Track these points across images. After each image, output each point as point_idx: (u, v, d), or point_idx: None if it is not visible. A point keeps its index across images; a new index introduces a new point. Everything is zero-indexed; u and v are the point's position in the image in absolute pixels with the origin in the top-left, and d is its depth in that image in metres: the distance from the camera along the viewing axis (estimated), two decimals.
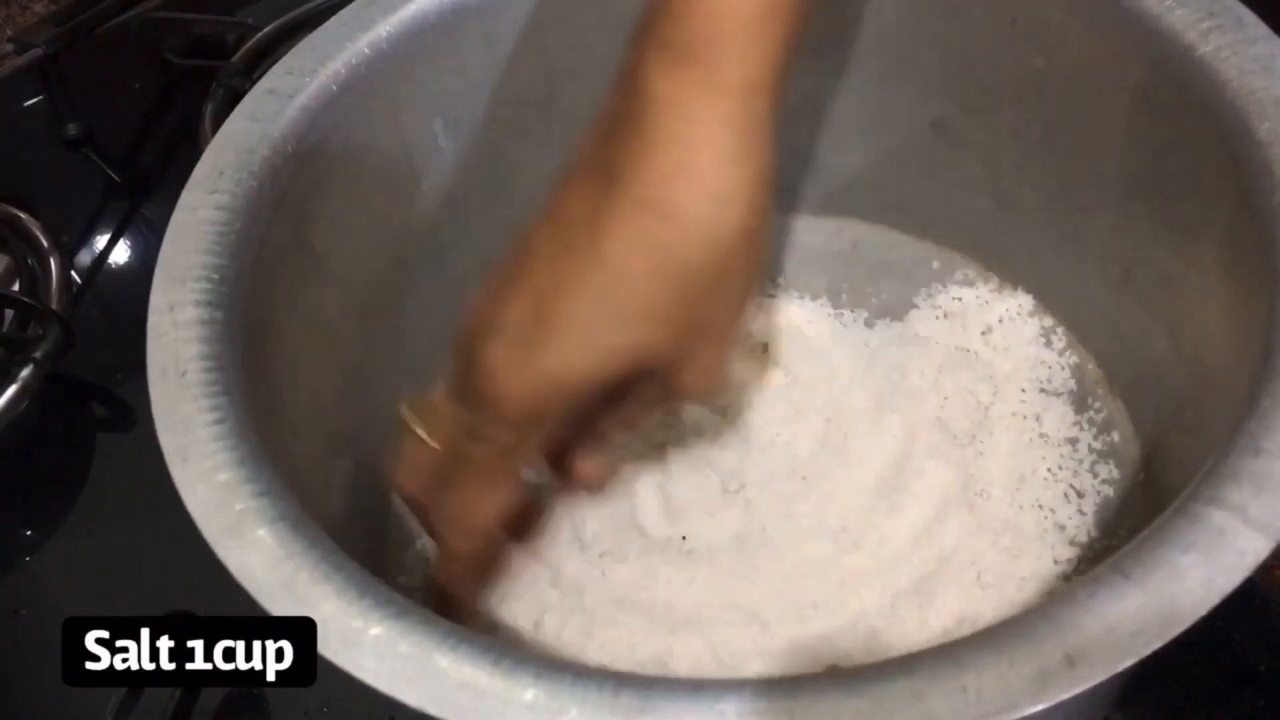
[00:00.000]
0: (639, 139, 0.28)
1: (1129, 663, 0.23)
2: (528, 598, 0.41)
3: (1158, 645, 0.24)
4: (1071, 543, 0.41)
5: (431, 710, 0.24)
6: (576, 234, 0.29)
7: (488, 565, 0.39)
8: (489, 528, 0.34)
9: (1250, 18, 0.35)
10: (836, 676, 0.24)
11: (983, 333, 0.47)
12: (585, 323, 0.29)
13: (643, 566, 0.41)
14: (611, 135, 0.29)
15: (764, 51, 0.28)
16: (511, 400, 0.30)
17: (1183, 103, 0.36)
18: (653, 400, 0.36)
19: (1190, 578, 0.24)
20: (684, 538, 0.42)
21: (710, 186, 0.28)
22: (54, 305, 0.58)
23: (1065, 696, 0.23)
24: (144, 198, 0.68)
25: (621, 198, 0.29)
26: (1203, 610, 0.24)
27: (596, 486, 0.40)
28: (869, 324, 0.49)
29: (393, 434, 0.46)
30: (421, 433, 0.33)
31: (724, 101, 0.28)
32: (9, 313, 0.58)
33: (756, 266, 0.31)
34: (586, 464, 0.38)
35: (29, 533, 0.53)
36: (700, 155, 0.28)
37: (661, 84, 0.28)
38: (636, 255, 0.29)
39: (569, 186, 0.30)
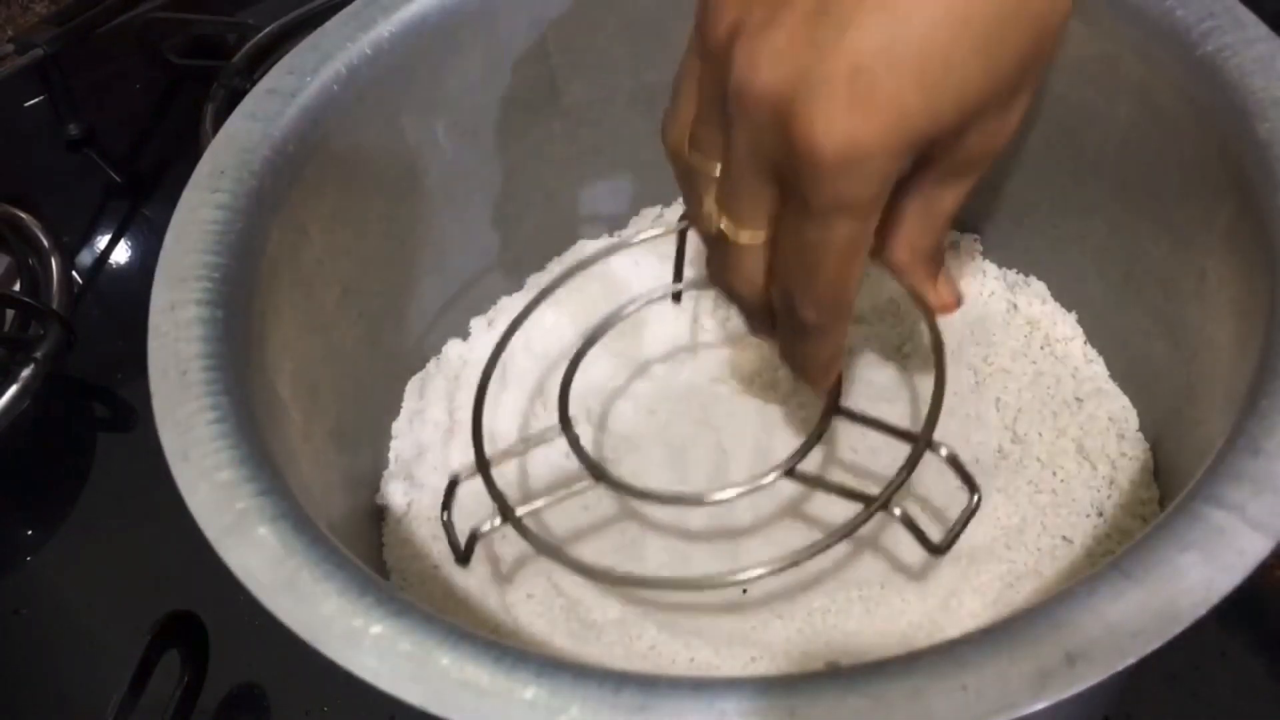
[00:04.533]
0: None
1: (1129, 662, 0.23)
2: (530, 604, 0.41)
3: (1157, 644, 0.24)
4: (1071, 543, 0.41)
5: (433, 709, 0.24)
6: None
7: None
8: (853, 297, 0.31)
9: (1250, 18, 0.35)
10: (836, 674, 0.24)
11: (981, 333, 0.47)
12: (955, 63, 0.25)
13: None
14: None
15: None
16: (872, 163, 0.26)
17: (1183, 103, 0.36)
18: (949, 178, 0.31)
19: (1190, 577, 0.24)
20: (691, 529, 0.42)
21: None
22: (55, 305, 0.58)
23: (1065, 695, 0.23)
24: (144, 198, 0.68)
25: None
26: (1202, 610, 0.24)
27: (955, 306, 0.35)
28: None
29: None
30: (748, 233, 0.30)
31: None
32: (9, 313, 0.58)
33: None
34: (943, 290, 0.35)
35: (29, 533, 0.53)
36: None
37: None
38: None
39: None
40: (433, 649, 0.25)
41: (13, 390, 0.54)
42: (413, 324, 0.49)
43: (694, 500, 0.35)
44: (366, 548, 0.43)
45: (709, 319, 0.49)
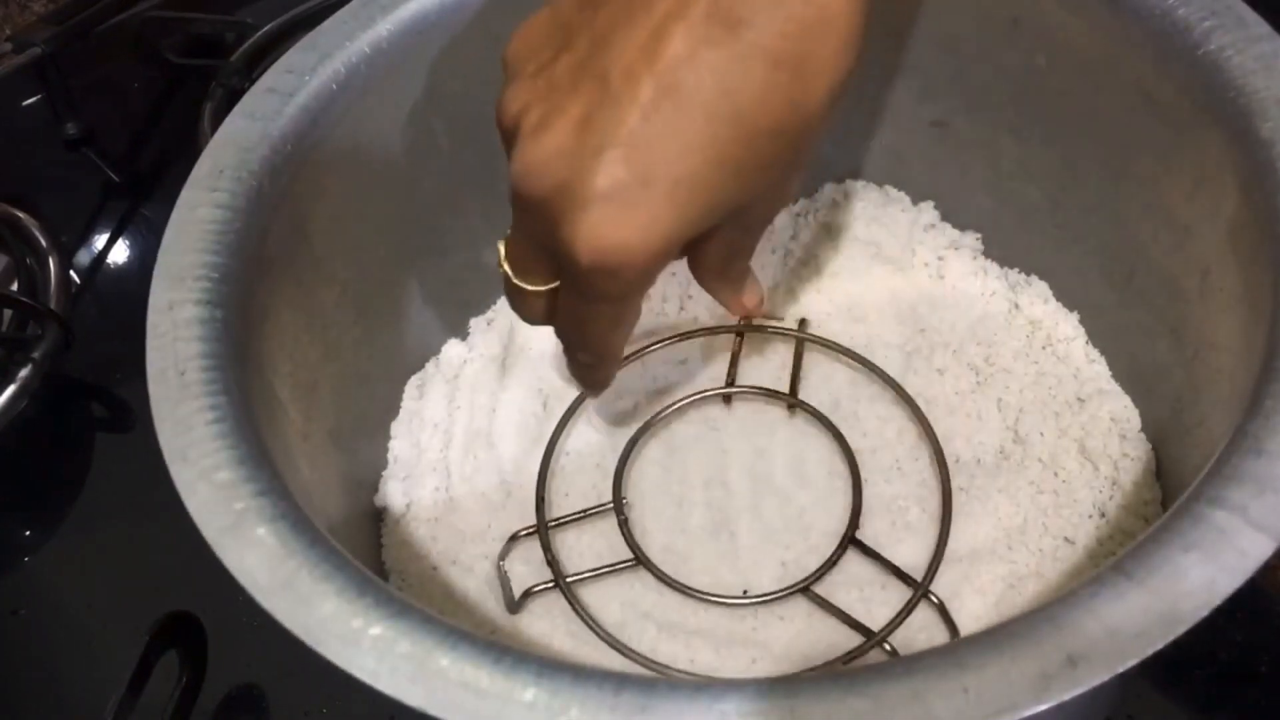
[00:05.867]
0: None
1: (1131, 664, 0.23)
2: (530, 605, 0.41)
3: (1160, 646, 0.23)
4: (1073, 544, 0.41)
5: (432, 710, 0.24)
6: (696, 88, 0.27)
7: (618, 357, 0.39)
8: (620, 349, 0.36)
9: (1252, 17, 0.35)
10: (837, 676, 0.24)
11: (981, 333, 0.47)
12: (705, 181, 0.28)
13: (641, 582, 0.41)
14: None
15: None
16: (625, 270, 0.28)
17: (1184, 102, 0.36)
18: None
19: (1192, 578, 0.24)
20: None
21: (843, 36, 0.27)
22: (53, 305, 0.58)
23: (1066, 697, 0.23)
24: (143, 197, 0.68)
25: (752, 50, 0.27)
26: (1205, 611, 0.24)
27: (757, 309, 0.40)
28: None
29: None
30: (529, 286, 0.33)
31: None
32: (8, 313, 0.58)
33: (820, 138, 0.29)
34: (747, 298, 0.39)
35: (29, 533, 0.53)
36: (836, 3, 0.27)
37: None
38: (767, 112, 0.27)
39: (671, 31, 0.27)
40: (432, 650, 0.25)
41: (10, 390, 0.54)
42: (412, 324, 0.48)
43: (722, 599, 0.40)
44: (365, 548, 0.43)
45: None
